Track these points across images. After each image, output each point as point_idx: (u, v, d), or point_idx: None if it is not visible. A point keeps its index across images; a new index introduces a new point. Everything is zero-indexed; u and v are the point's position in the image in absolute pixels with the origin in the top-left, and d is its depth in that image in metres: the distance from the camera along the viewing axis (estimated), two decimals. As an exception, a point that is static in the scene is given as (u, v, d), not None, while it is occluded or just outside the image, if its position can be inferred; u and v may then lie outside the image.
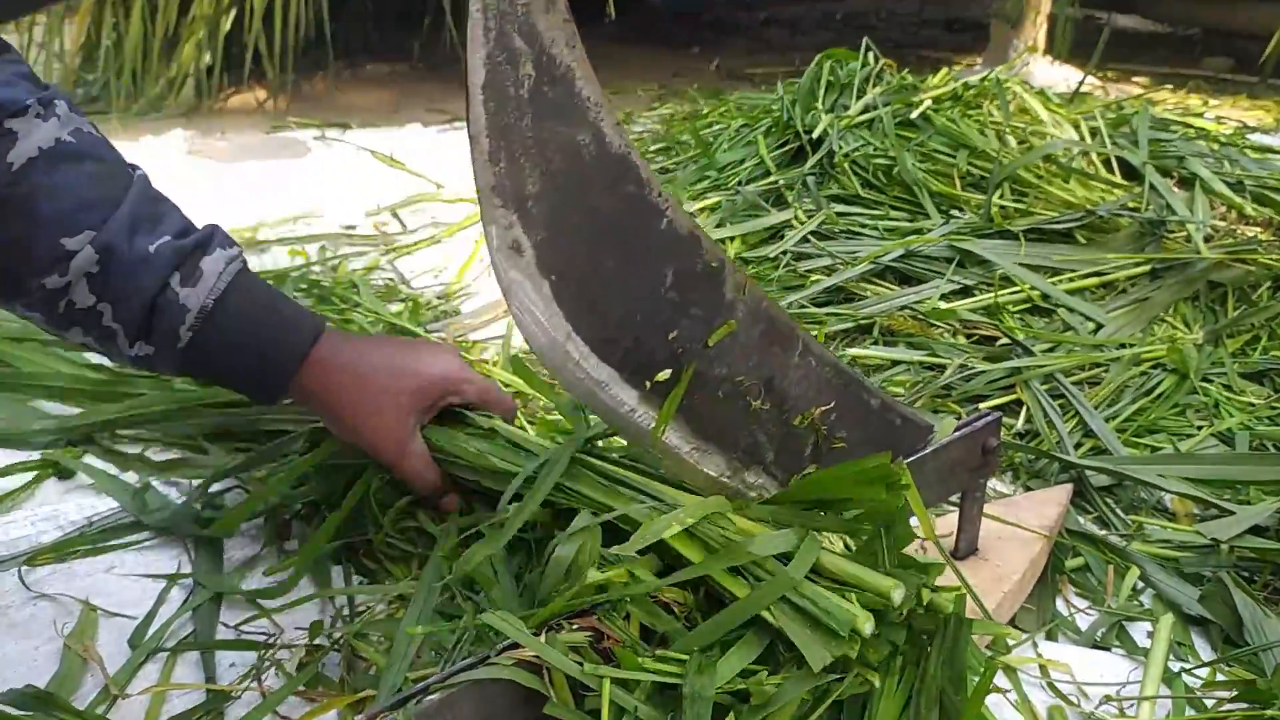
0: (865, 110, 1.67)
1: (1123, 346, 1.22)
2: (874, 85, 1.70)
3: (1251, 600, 0.81)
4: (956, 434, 0.80)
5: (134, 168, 0.80)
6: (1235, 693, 0.73)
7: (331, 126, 2.42)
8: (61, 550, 0.93)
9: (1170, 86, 2.93)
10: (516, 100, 0.54)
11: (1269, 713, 0.67)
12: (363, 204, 1.91)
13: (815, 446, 0.72)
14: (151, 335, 0.78)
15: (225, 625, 0.85)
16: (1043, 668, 0.78)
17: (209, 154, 2.10)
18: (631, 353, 0.62)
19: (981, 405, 1.15)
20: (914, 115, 1.62)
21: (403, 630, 0.74)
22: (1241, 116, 2.61)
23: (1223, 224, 1.45)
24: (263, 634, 0.83)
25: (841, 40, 3.95)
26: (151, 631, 0.83)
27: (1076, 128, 1.64)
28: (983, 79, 1.67)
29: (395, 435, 0.82)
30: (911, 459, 0.77)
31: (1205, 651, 0.82)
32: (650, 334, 0.63)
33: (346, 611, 0.85)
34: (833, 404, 0.72)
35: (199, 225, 0.81)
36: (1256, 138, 2.35)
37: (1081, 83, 1.93)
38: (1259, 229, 1.44)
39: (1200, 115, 2.59)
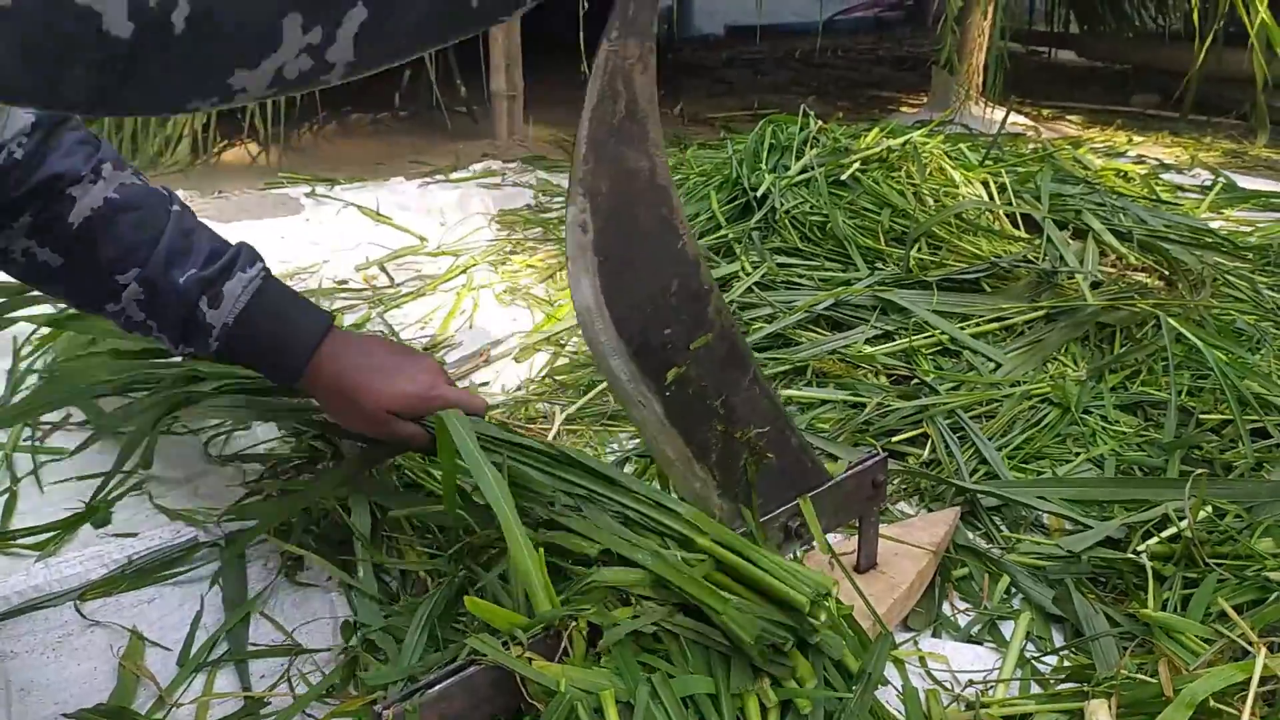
0: (803, 171, 1.87)
1: (1017, 384, 1.41)
2: (811, 147, 1.90)
3: (1085, 600, 1.00)
4: (850, 471, 0.99)
5: (170, 201, 1.03)
6: (1065, 674, 0.92)
7: (321, 181, 2.60)
8: (109, 586, 1.09)
9: (1099, 127, 3.16)
10: (609, 126, 0.75)
11: (1085, 688, 0.85)
12: (353, 258, 2.09)
13: (747, 460, 0.91)
14: (190, 342, 1.02)
15: (253, 644, 1.02)
16: (922, 659, 0.96)
17: (208, 214, 2.28)
18: (637, 335, 0.82)
19: (894, 439, 1.34)
20: (845, 176, 1.83)
21: (408, 643, 0.92)
22: (1161, 154, 2.84)
23: (1112, 270, 1.65)
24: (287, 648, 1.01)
25: (800, 79, 4.15)
26: (194, 651, 1.01)
27: (986, 185, 1.85)
28: (904, 142, 1.87)
29: (378, 427, 1.04)
30: (814, 493, 0.96)
31: (1060, 643, 1.01)
32: (653, 325, 0.83)
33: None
34: (767, 429, 0.92)
35: (228, 244, 1.04)
36: (1170, 176, 2.58)
37: (1004, 124, 2.14)
38: (1143, 274, 1.64)
39: (1123, 154, 2.83)
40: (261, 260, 1.05)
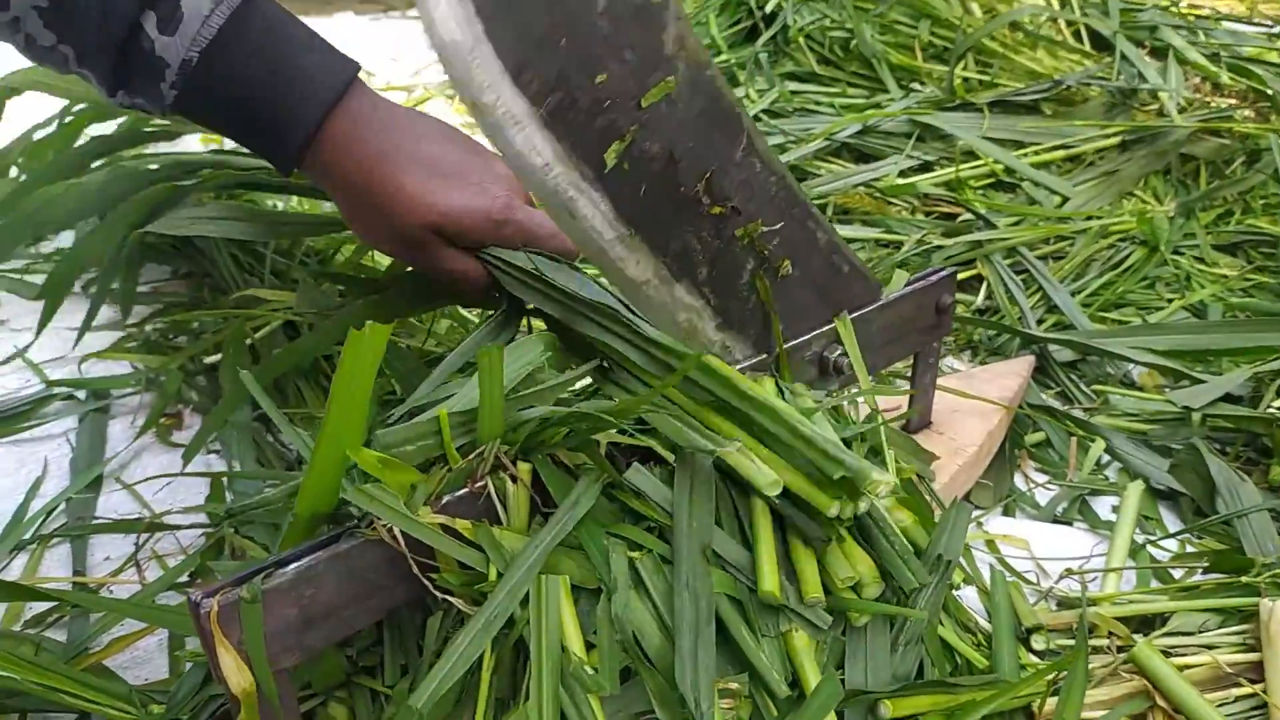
0: (822, -19, 1.55)
1: (1090, 219, 1.14)
2: (832, -46, 1.58)
3: (1227, 466, 0.75)
4: (907, 289, 0.72)
5: None
6: (1208, 563, 0.67)
7: (258, 17, 2.26)
8: (-74, 444, 0.84)
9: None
10: None
11: (1243, 579, 0.60)
12: (287, 93, 1.77)
13: (754, 271, 0.63)
14: (131, 86, 0.63)
15: (102, 517, 0.77)
16: (990, 543, 0.71)
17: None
18: (552, 90, 0.51)
19: (940, 281, 1.07)
20: (874, -17, 1.52)
21: (288, 519, 0.66)
22: (1215, 4, 2.52)
23: (1196, 96, 1.37)
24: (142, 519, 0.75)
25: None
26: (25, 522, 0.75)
27: (1046, -6, 1.55)
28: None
29: (414, 252, 0.67)
30: (858, 314, 0.69)
31: (1174, 525, 0.76)
32: (575, 70, 0.51)
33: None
34: (779, 225, 0.62)
35: None
36: (1228, 25, 2.27)
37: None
38: (1234, 101, 1.36)
39: (1176, 2, 2.50)
40: None
